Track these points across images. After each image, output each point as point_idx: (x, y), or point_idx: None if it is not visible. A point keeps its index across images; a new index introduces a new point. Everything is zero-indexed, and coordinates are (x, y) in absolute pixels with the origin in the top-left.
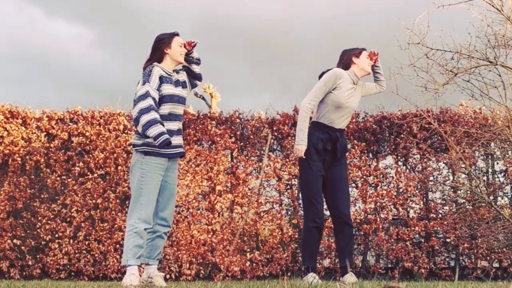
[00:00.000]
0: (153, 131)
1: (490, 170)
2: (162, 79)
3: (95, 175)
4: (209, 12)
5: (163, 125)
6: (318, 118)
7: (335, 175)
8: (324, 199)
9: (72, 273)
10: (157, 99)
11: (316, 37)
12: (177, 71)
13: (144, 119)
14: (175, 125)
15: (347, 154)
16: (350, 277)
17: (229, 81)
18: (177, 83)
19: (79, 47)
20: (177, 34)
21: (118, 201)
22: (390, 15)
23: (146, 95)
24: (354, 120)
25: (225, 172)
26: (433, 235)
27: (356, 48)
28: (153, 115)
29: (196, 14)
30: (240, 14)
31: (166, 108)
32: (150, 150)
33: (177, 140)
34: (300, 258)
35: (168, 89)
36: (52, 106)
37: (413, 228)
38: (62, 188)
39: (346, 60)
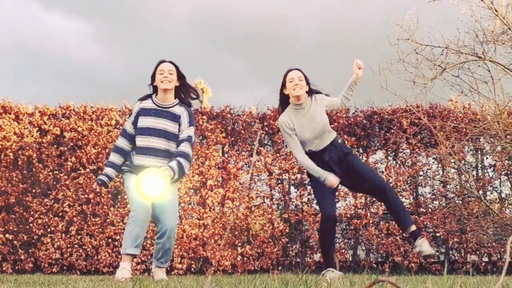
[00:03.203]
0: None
1: (479, 165)
2: (140, 113)
3: (87, 170)
4: (207, 5)
5: (112, 167)
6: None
7: (352, 169)
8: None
9: (64, 267)
10: (131, 132)
11: (313, 30)
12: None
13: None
14: (152, 162)
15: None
16: (424, 245)
17: (225, 75)
18: (164, 115)
19: (77, 41)
20: (162, 62)
21: (110, 196)
22: (389, 9)
23: (120, 133)
24: (344, 115)
25: (216, 167)
26: (423, 229)
27: (283, 79)
28: (110, 156)
29: (193, 6)
30: (237, 7)
31: (138, 141)
32: (127, 169)
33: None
34: (290, 252)
35: (143, 121)
36: (44, 101)
37: None
38: (55, 183)
39: (281, 99)
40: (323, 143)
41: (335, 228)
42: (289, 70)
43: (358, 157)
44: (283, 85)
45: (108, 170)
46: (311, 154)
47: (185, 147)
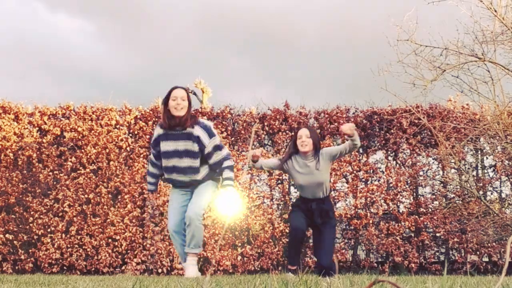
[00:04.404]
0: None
1: (479, 165)
2: (159, 138)
3: (87, 170)
4: (209, 5)
5: (153, 176)
6: (298, 194)
7: (319, 233)
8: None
9: (64, 267)
10: (156, 154)
11: (315, 30)
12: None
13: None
14: (181, 177)
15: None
16: None
17: (227, 74)
18: (180, 137)
19: (80, 40)
20: (175, 88)
21: (110, 196)
22: (390, 9)
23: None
24: (344, 116)
25: None
26: (423, 229)
27: (294, 136)
28: (149, 167)
29: (196, 7)
30: (240, 7)
31: (165, 162)
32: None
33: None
34: None
35: (164, 146)
36: (45, 101)
37: (403, 223)
38: (55, 183)
39: (290, 149)
40: (316, 194)
41: (302, 241)
42: (298, 129)
43: (334, 226)
44: (294, 141)
45: (149, 179)
46: (302, 198)
47: (227, 162)
